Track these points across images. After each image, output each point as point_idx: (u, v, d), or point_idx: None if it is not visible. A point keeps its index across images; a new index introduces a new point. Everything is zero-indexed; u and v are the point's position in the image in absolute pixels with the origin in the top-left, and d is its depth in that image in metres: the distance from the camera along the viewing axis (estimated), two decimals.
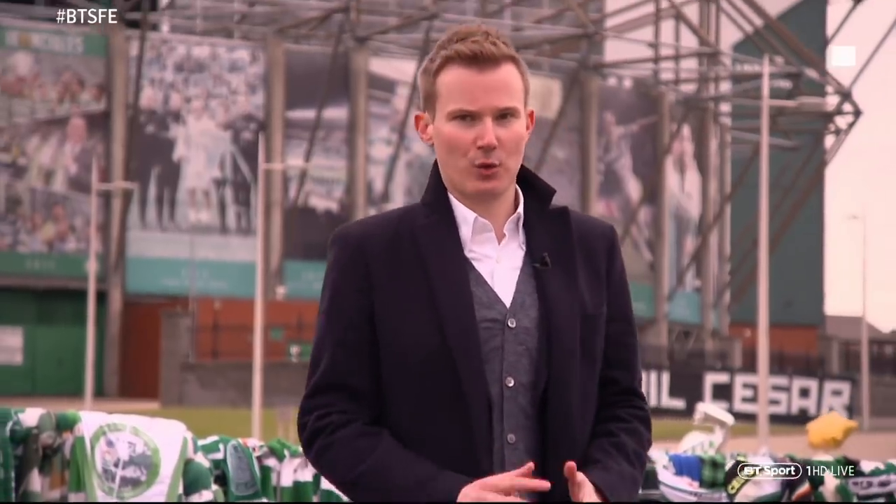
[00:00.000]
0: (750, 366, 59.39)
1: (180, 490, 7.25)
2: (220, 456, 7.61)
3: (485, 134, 3.48)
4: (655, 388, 57.74)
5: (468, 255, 3.57)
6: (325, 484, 8.03)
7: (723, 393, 53.58)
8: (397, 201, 68.11)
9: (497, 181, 3.53)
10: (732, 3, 72.53)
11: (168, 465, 7.26)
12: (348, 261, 3.59)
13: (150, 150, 66.31)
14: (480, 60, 3.49)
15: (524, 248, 3.61)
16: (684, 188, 77.90)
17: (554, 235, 3.61)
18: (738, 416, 36.16)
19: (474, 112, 3.50)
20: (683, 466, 9.13)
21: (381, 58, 69.79)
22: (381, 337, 3.54)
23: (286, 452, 7.95)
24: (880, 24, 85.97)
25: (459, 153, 3.53)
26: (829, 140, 76.92)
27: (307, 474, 8.01)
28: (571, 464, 3.39)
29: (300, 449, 7.62)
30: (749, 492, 8.86)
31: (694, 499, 9.10)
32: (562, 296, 3.55)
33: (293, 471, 7.94)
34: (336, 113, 68.31)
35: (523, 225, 3.62)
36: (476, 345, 3.47)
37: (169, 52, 67.26)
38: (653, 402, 59.37)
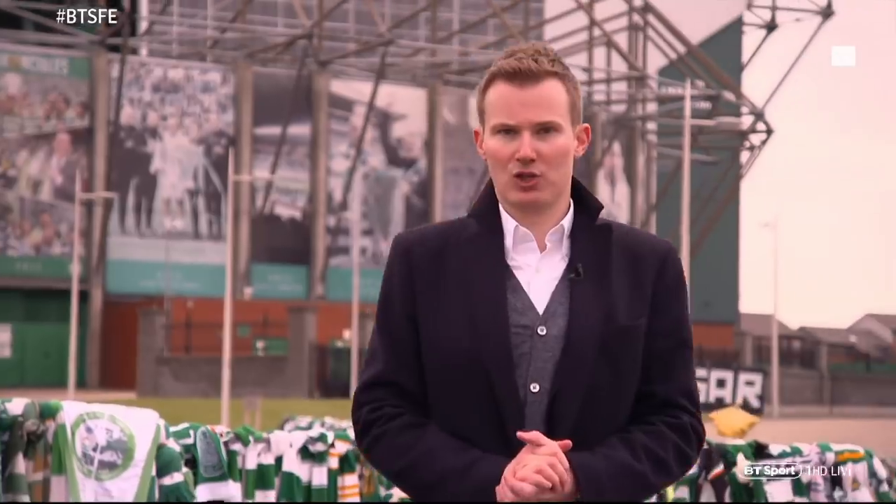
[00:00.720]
0: None
1: (153, 472, 7.19)
2: (190, 441, 7.53)
3: (521, 147, 3.33)
4: None
5: (509, 262, 3.43)
6: (287, 466, 8.01)
7: None
8: (354, 209, 68.15)
9: (537, 192, 3.37)
10: (658, 31, 72.85)
11: (142, 450, 7.21)
12: (397, 265, 3.49)
13: (129, 163, 66.06)
14: (521, 76, 3.34)
15: (567, 259, 3.44)
16: (614, 199, 77.50)
17: (595, 248, 3.43)
18: None
19: (513, 126, 3.35)
20: None
21: (340, 80, 69.76)
22: (423, 339, 3.43)
23: (251, 438, 7.88)
24: (790, 52, 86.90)
25: (501, 165, 3.39)
26: (745, 156, 77.45)
27: (270, 458, 7.96)
28: (556, 443, 3.25)
29: (263, 434, 8.02)
30: None
31: None
32: (588, 306, 3.37)
33: (257, 454, 7.87)
34: (299, 130, 68.18)
35: (570, 237, 3.46)
36: (507, 349, 3.34)
37: (147, 74, 67.16)
38: None
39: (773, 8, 79.74)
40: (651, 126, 78.77)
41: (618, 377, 3.35)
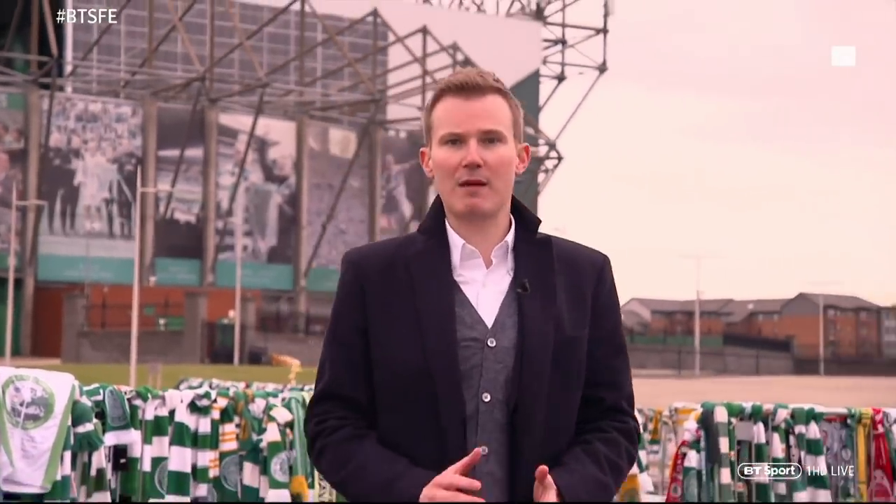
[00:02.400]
0: None
1: (69, 423, 7.02)
2: (100, 398, 7.30)
3: (469, 153, 2.87)
4: None
5: (456, 278, 2.92)
6: (178, 417, 7.77)
7: None
8: (238, 215, 67.35)
9: (482, 199, 2.88)
10: None
11: (60, 405, 7.08)
12: (347, 281, 2.99)
13: (57, 178, 64.68)
14: (467, 89, 2.90)
15: (511, 273, 2.94)
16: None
17: (538, 262, 2.94)
18: None
19: (460, 134, 2.89)
20: None
21: (227, 114, 68.76)
22: (372, 353, 2.92)
23: (149, 395, 7.68)
24: (576, 96, 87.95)
25: (448, 174, 2.90)
26: (541, 176, 77.49)
27: (164, 411, 7.71)
28: (543, 467, 2.78)
29: (160, 392, 7.74)
30: None
31: None
32: (538, 319, 2.88)
33: (154, 408, 7.62)
34: (194, 152, 67.23)
35: (514, 252, 2.96)
36: (454, 363, 2.83)
37: (71, 107, 65.84)
38: None
39: (563, 63, 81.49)
40: None
41: (568, 386, 2.92)
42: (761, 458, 7.66)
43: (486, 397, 2.82)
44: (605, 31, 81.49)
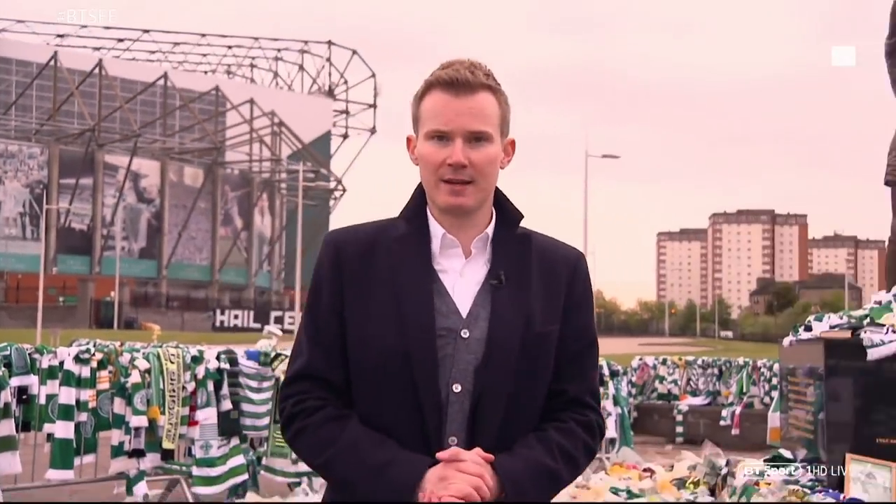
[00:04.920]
0: None
1: None
2: (7, 353, 6.84)
3: (454, 153, 1.95)
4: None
5: (435, 266, 2.00)
6: (66, 366, 7.07)
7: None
8: (118, 225, 65.88)
9: (465, 198, 1.97)
10: (287, 135, 70.84)
11: None
12: (326, 262, 2.03)
13: None
14: (456, 86, 1.95)
15: (489, 265, 2.01)
16: (263, 223, 76.33)
17: (516, 256, 2.02)
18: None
19: (447, 132, 1.96)
20: (251, 355, 8.09)
21: (110, 154, 67.24)
22: (349, 336, 1.98)
23: (45, 351, 7.18)
24: (356, 148, 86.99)
25: (432, 170, 1.98)
26: (332, 203, 76.33)
27: (55, 361, 7.12)
28: (487, 455, 1.88)
29: (53, 348, 7.18)
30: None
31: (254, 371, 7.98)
32: (508, 312, 1.96)
33: (48, 360, 7.10)
34: (86, 181, 65.88)
35: (493, 244, 2.03)
36: (433, 351, 1.93)
37: None
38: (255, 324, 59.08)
39: (346, 126, 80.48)
40: (283, 185, 76.16)
41: (535, 380, 1.99)
42: None
43: (457, 388, 1.94)
44: (374, 105, 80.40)
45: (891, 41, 6.13)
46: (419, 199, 2.07)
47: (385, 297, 1.97)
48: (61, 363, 7.13)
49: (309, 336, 2.04)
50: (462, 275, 2.01)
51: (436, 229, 2.02)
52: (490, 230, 2.04)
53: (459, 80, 1.96)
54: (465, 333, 1.96)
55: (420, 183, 2.06)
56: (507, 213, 2.08)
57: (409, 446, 1.92)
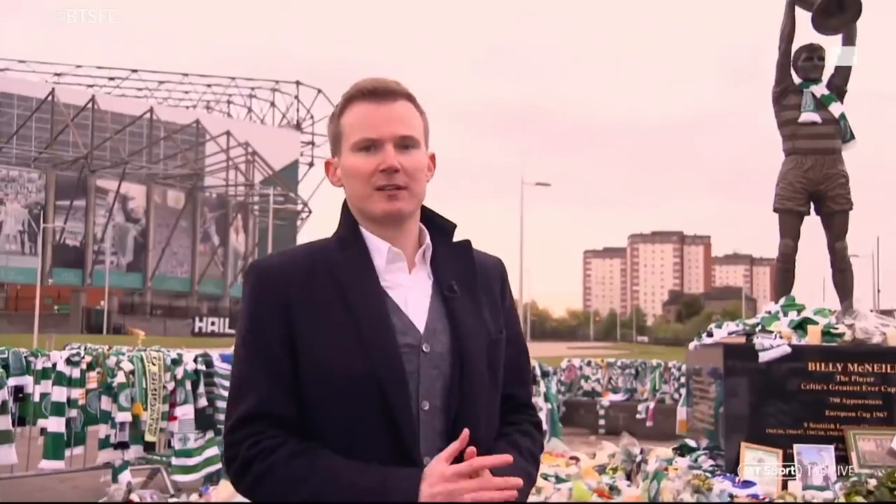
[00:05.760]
0: None
1: None
2: (5, 356, 6.83)
3: (387, 157, 1.63)
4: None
5: (383, 284, 1.66)
6: (58, 368, 7.03)
7: None
8: (108, 242, 64.96)
9: (402, 202, 1.65)
10: (259, 163, 70.42)
11: None
12: (267, 292, 1.63)
13: None
14: (379, 94, 1.66)
15: (432, 277, 1.71)
16: (238, 240, 75.35)
17: (459, 266, 1.73)
18: None
19: (376, 140, 1.64)
20: (225, 358, 8.00)
21: (102, 179, 66.45)
22: (304, 364, 1.59)
23: (39, 354, 7.17)
24: (321, 173, 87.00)
25: (363, 181, 1.65)
26: (299, 223, 75.52)
27: (49, 364, 7.05)
28: (480, 459, 1.53)
29: (47, 352, 7.16)
30: None
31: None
32: (470, 322, 1.68)
33: (42, 362, 7.08)
34: (80, 202, 65.03)
35: (433, 255, 1.73)
36: (400, 369, 1.59)
37: None
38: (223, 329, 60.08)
39: (313, 156, 79.73)
40: (257, 207, 74.80)
41: (495, 387, 1.72)
42: None
43: (426, 405, 1.61)
44: None
45: (776, 89, 6.43)
46: (350, 218, 1.73)
47: (339, 322, 1.61)
48: (54, 365, 7.05)
49: (258, 372, 1.61)
50: (410, 289, 1.69)
51: (378, 244, 1.70)
52: (429, 241, 1.74)
53: (381, 89, 1.68)
54: (426, 348, 1.65)
55: (345, 202, 1.74)
56: (439, 224, 1.78)
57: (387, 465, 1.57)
